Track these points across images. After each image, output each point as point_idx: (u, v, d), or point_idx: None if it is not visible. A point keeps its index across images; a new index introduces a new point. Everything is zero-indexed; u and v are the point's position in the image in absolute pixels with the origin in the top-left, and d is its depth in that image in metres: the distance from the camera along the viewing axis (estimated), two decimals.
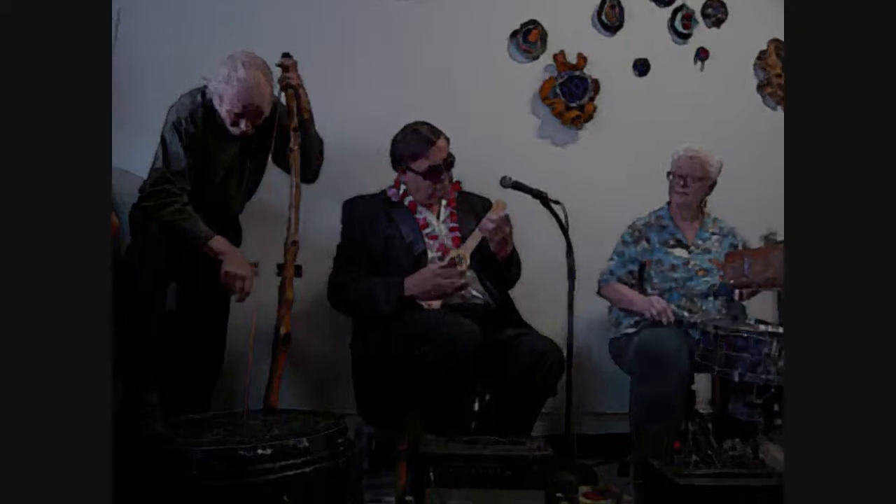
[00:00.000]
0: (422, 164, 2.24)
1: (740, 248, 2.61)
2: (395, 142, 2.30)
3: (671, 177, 2.56)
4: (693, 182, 2.52)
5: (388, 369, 2.09)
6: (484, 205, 2.33)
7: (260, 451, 1.55)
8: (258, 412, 1.89)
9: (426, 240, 2.27)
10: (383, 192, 2.35)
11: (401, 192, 2.32)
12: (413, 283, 2.13)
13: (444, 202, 2.34)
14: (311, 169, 2.24)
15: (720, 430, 2.10)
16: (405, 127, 2.30)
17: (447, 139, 2.27)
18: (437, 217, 2.33)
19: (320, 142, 2.28)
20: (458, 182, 2.38)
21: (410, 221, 2.28)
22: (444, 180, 2.27)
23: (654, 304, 2.38)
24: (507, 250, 2.24)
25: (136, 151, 2.14)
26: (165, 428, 1.70)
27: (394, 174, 2.36)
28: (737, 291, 2.37)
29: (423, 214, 2.31)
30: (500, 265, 2.27)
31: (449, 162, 2.27)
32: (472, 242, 2.22)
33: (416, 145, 2.24)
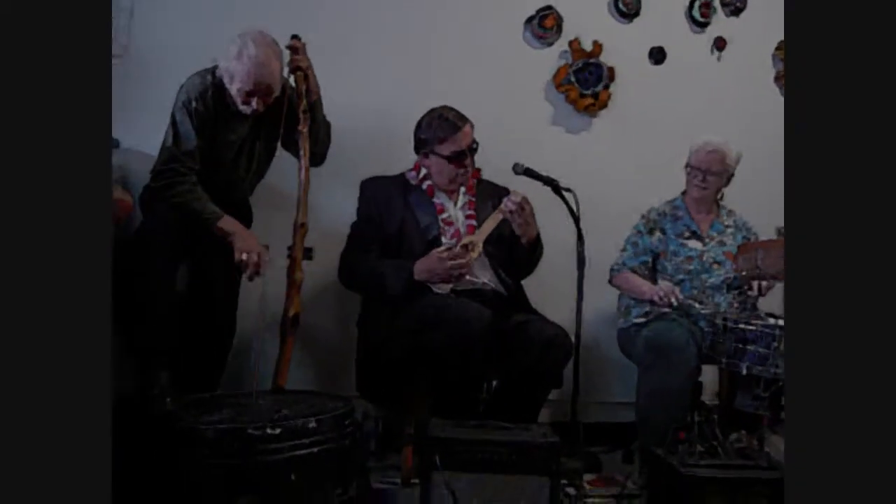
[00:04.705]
0: (447, 149, 2.22)
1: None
2: (419, 125, 2.28)
3: (689, 169, 2.53)
4: (711, 176, 2.49)
5: (395, 352, 2.09)
6: (502, 194, 2.32)
7: (269, 431, 1.57)
8: (267, 393, 1.91)
9: (441, 225, 2.25)
10: (402, 174, 2.34)
11: (420, 175, 2.31)
12: (422, 267, 2.13)
13: (462, 189, 2.32)
14: (318, 152, 2.24)
15: (726, 423, 2.10)
16: (430, 111, 2.27)
17: (472, 125, 2.26)
18: (455, 203, 2.32)
19: (328, 125, 2.28)
20: (479, 170, 2.35)
21: (427, 206, 2.27)
22: (467, 166, 2.25)
23: (661, 288, 2.36)
24: (531, 233, 2.21)
25: (156, 134, 2.13)
26: (176, 407, 1.72)
27: (407, 157, 2.34)
28: (755, 285, 2.34)
29: (441, 199, 2.30)
30: (524, 250, 2.25)
31: (473, 148, 2.25)
32: (487, 228, 2.19)
33: (442, 129, 2.22)
